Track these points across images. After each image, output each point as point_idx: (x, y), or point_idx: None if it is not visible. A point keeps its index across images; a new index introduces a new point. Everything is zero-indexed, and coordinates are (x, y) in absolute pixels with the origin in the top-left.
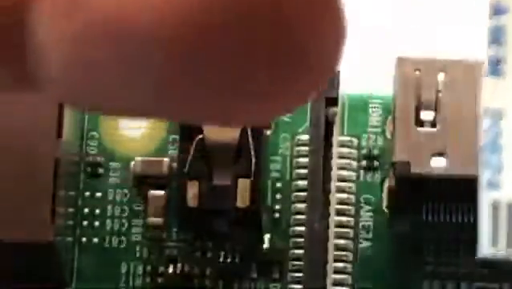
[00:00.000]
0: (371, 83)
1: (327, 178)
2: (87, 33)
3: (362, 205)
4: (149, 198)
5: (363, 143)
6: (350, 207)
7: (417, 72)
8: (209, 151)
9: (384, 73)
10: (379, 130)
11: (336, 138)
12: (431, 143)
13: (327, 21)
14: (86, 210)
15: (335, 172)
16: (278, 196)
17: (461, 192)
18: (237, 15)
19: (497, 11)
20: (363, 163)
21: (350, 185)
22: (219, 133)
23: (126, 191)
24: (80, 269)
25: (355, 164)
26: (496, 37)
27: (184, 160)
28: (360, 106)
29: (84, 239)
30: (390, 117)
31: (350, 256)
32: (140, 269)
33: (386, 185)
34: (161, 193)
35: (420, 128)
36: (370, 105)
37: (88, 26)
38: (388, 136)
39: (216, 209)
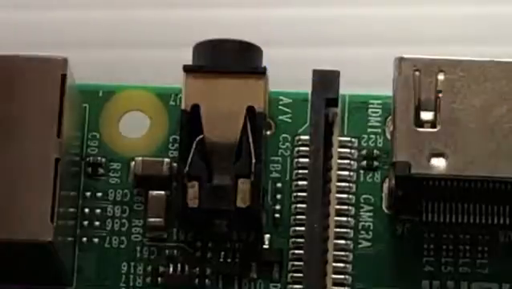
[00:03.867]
0: (371, 83)
1: (327, 178)
2: None
3: (362, 205)
4: (149, 198)
5: (363, 143)
6: (350, 207)
7: (417, 72)
8: (209, 151)
9: (383, 73)
10: (379, 130)
11: (336, 138)
12: (431, 143)
13: None
14: (86, 210)
15: (335, 173)
16: (278, 196)
17: (461, 192)
18: None
19: None
20: (363, 163)
21: (350, 185)
22: (219, 134)
23: (126, 191)
24: (80, 269)
25: (355, 164)
26: None
27: (185, 161)
28: (360, 106)
29: (84, 239)
30: (390, 117)
31: (350, 256)
32: (140, 269)
33: (386, 185)
34: (161, 193)
35: (420, 128)
36: (370, 105)
37: None
38: (388, 136)
39: (216, 209)
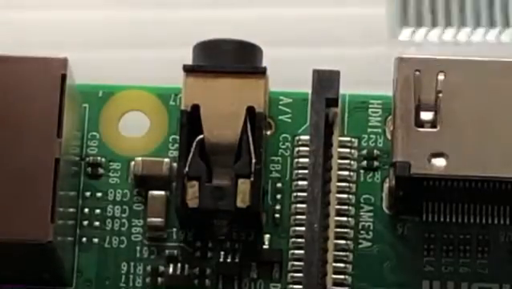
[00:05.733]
0: (371, 83)
1: (326, 178)
2: None
3: (362, 205)
4: (149, 198)
5: (364, 143)
6: (350, 207)
7: (417, 72)
8: (209, 151)
9: (383, 73)
10: (379, 130)
11: (336, 138)
12: (431, 143)
13: None
14: (86, 210)
15: (335, 173)
16: (278, 196)
17: (461, 192)
18: None
19: None
20: (364, 163)
21: (350, 185)
22: (219, 134)
23: (126, 191)
24: (80, 269)
25: (355, 164)
26: None
27: (185, 161)
28: (360, 106)
29: (84, 239)
30: (390, 117)
31: (350, 256)
32: (140, 269)
33: (386, 185)
34: (161, 193)
35: (420, 128)
36: (370, 105)
37: None
38: (388, 136)
39: (216, 210)
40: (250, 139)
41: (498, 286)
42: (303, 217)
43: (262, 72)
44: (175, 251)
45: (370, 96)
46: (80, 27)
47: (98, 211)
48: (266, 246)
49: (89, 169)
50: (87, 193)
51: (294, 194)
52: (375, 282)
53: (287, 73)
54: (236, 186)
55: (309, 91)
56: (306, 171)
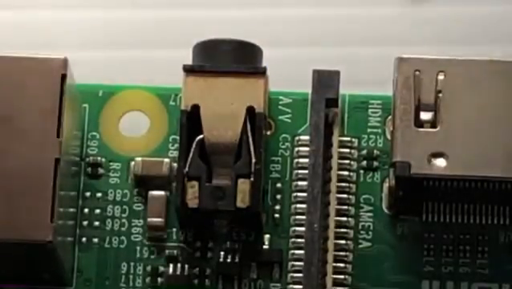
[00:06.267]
0: (371, 83)
1: (326, 178)
2: None
3: (362, 205)
4: (149, 198)
5: (363, 143)
6: (350, 207)
7: (417, 72)
8: (209, 151)
9: (383, 73)
10: (379, 130)
11: (336, 138)
12: (431, 143)
13: None
14: (86, 210)
15: (335, 173)
16: (278, 196)
17: (461, 192)
18: None
19: None
20: (363, 163)
21: (350, 185)
22: (219, 134)
23: (126, 191)
24: (80, 269)
25: (355, 164)
26: None
27: (185, 161)
28: (360, 106)
29: (84, 239)
30: (390, 117)
31: (350, 256)
32: (139, 269)
33: (386, 185)
34: (161, 193)
35: (420, 129)
36: (370, 105)
37: None
38: (388, 136)
39: (216, 209)
40: (250, 139)
41: (498, 286)
42: (303, 217)
43: (261, 72)
44: (175, 251)
45: (370, 96)
46: (80, 27)
47: (98, 211)
48: (266, 246)
49: (89, 169)
50: (87, 193)
51: (294, 194)
52: (375, 282)
53: (287, 73)
54: (236, 186)
55: (309, 91)
56: (306, 171)
